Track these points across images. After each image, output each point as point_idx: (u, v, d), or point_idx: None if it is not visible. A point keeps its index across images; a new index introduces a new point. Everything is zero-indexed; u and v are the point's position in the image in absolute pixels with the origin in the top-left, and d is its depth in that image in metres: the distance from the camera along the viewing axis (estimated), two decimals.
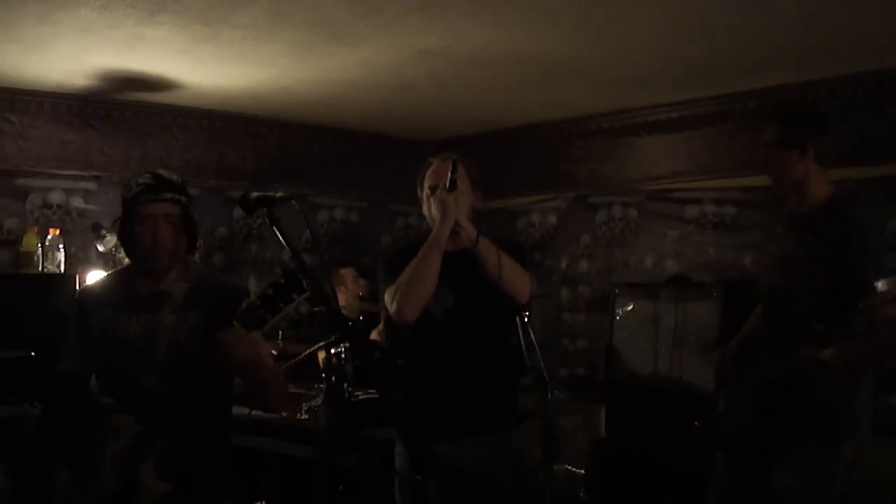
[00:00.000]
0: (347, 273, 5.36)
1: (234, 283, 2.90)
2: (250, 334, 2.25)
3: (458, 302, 3.03)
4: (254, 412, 4.11)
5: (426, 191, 3.07)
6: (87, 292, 2.65)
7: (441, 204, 2.94)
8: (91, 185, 5.25)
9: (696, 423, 3.94)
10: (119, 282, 2.60)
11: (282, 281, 2.19)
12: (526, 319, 4.71)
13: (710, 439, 3.26)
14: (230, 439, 2.70)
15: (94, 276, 4.78)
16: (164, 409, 2.34)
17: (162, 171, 2.53)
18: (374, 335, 5.03)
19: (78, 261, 5.04)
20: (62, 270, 4.86)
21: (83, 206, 5.21)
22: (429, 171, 3.08)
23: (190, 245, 2.55)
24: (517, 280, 2.98)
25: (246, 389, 2.52)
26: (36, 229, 4.90)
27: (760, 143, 3.06)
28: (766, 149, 3.02)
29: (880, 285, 2.63)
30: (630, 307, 5.16)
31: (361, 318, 5.04)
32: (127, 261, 2.63)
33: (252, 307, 2.20)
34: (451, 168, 2.93)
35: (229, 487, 2.63)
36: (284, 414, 4.16)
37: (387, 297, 3.02)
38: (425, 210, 3.08)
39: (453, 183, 2.92)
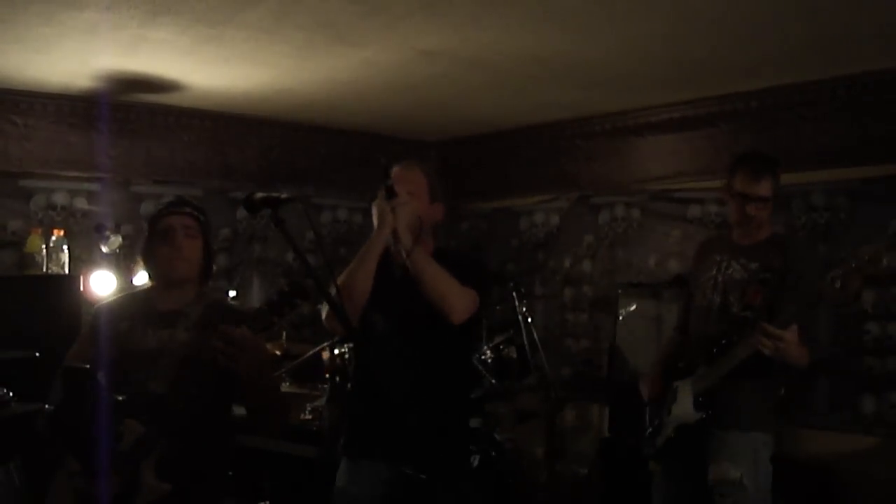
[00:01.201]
0: None
1: (247, 309, 2.96)
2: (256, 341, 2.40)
3: (403, 318, 2.88)
4: None
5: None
6: (106, 308, 2.77)
7: (378, 211, 2.80)
8: (95, 187, 5.26)
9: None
10: (137, 300, 2.76)
11: (287, 289, 2.35)
12: (529, 320, 4.74)
13: (644, 453, 3.47)
14: (232, 445, 2.77)
15: (98, 277, 4.80)
16: (169, 413, 2.42)
17: (183, 195, 2.81)
18: None
19: (82, 262, 5.04)
20: (66, 271, 4.86)
21: (87, 207, 5.23)
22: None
23: (206, 263, 2.72)
24: (448, 297, 2.77)
25: (247, 406, 2.62)
26: (40, 230, 4.90)
27: (748, 195, 3.21)
28: (756, 203, 3.21)
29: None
30: (633, 307, 5.16)
31: None
32: (147, 281, 2.80)
33: (260, 312, 2.36)
34: (385, 174, 2.79)
35: (229, 490, 2.72)
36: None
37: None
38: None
39: (390, 190, 2.77)
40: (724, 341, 3.15)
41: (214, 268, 2.79)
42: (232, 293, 5.34)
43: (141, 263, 2.78)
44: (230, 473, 2.76)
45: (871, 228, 4.36)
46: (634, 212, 5.55)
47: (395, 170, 2.90)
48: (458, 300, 2.80)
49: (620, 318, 5.20)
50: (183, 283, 2.69)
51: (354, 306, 2.74)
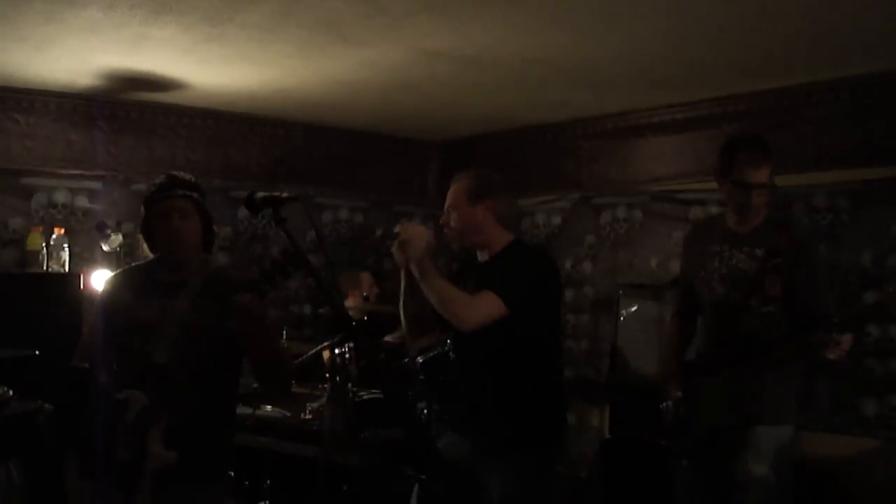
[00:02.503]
0: (365, 278, 5.38)
1: (247, 278, 3.02)
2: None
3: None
4: (258, 412, 4.13)
5: None
6: (112, 279, 2.85)
7: (395, 255, 3.13)
8: (96, 185, 5.26)
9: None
10: (140, 272, 2.80)
11: (280, 257, 2.39)
12: None
13: (671, 449, 3.38)
14: (234, 415, 2.88)
15: (99, 276, 4.79)
16: (173, 384, 2.47)
17: (176, 172, 2.74)
18: (389, 338, 5.03)
19: (83, 260, 5.05)
20: (67, 270, 4.87)
21: (88, 205, 5.23)
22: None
23: (206, 237, 2.74)
24: (448, 308, 3.00)
25: (254, 367, 2.66)
26: (41, 229, 4.91)
27: (751, 183, 3.08)
28: (758, 190, 3.08)
29: None
30: (634, 308, 5.15)
31: (366, 317, 5.05)
32: (149, 254, 2.82)
33: (253, 281, 2.42)
34: (398, 228, 3.12)
35: (230, 463, 2.79)
36: (289, 414, 4.17)
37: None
38: None
39: (395, 234, 3.10)
40: (754, 339, 3.04)
41: (216, 231, 2.81)
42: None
43: (142, 240, 2.80)
44: (233, 441, 2.82)
45: (873, 230, 4.35)
46: (636, 213, 5.54)
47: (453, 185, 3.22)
48: (462, 310, 2.97)
49: (622, 319, 5.19)
50: (184, 261, 2.73)
51: (428, 324, 3.21)
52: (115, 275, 2.88)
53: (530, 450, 3.03)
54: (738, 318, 3.14)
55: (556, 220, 5.99)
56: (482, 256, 3.22)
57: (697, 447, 3.23)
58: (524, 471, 3.00)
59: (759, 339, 3.05)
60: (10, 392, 3.97)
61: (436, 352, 4.00)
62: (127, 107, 5.30)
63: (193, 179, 2.74)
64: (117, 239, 4.88)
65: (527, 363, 3.05)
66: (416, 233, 3.09)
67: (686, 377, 3.31)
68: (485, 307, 2.96)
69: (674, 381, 3.37)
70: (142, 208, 2.72)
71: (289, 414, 4.18)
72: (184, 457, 2.46)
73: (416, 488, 3.25)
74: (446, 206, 3.19)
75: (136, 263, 2.97)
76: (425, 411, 3.96)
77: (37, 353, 4.16)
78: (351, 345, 4.07)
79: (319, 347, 4.47)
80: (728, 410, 3.11)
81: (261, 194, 2.37)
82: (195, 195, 2.69)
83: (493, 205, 3.15)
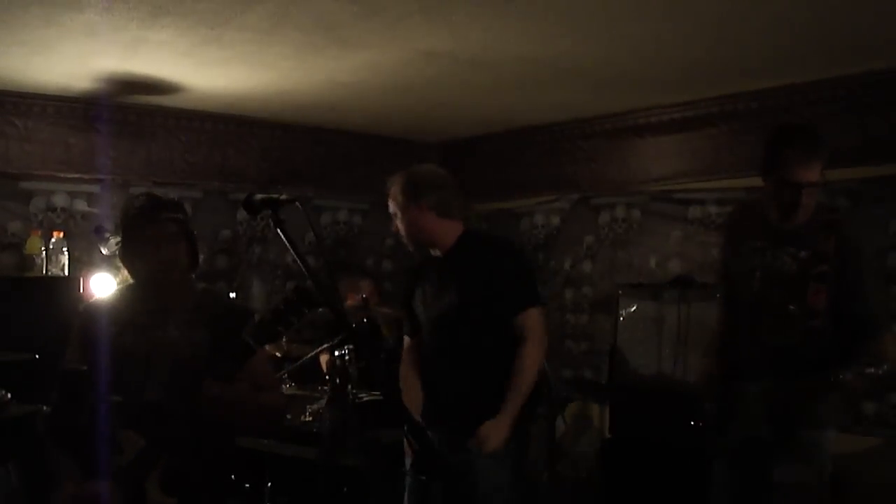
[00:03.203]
0: (366, 285, 5.37)
1: (238, 303, 2.98)
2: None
3: (450, 305, 3.17)
4: None
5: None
6: (92, 309, 2.69)
7: None
8: (95, 188, 5.26)
9: (692, 424, 3.94)
10: (124, 300, 2.64)
11: (293, 296, 2.24)
12: None
13: (710, 449, 3.29)
14: (234, 449, 2.75)
15: (98, 279, 4.79)
16: (169, 423, 2.35)
17: (157, 192, 2.61)
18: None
19: (82, 264, 5.04)
20: (66, 273, 4.86)
21: (87, 209, 5.22)
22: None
23: (192, 261, 2.60)
24: (536, 369, 3.14)
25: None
26: (40, 232, 4.90)
27: (801, 182, 2.85)
28: (808, 189, 2.84)
29: None
30: (634, 308, 5.15)
31: (365, 320, 5.05)
32: (129, 279, 2.67)
33: (264, 322, 2.25)
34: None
35: (232, 494, 2.72)
36: (289, 416, 4.16)
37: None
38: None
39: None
40: (796, 352, 2.85)
41: (201, 257, 2.65)
42: (232, 295, 5.33)
43: (123, 267, 2.62)
44: (232, 477, 2.77)
45: (872, 229, 4.35)
46: (635, 213, 5.54)
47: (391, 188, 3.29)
48: (540, 358, 3.15)
49: (621, 319, 5.19)
50: (169, 288, 2.58)
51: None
52: (92, 304, 2.73)
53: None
54: (779, 324, 2.93)
55: (555, 220, 5.99)
56: (436, 253, 3.26)
57: (736, 450, 3.09)
58: (504, 454, 3.06)
59: (805, 356, 2.84)
60: (9, 395, 3.98)
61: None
62: (125, 110, 5.29)
63: (176, 199, 2.60)
64: (116, 242, 4.87)
65: (504, 348, 3.10)
66: (396, 206, 3.23)
67: (727, 380, 3.13)
68: (539, 330, 3.10)
69: (714, 383, 3.20)
70: (121, 231, 2.55)
71: (289, 416, 4.17)
72: (183, 501, 2.35)
73: (407, 483, 3.25)
74: (391, 211, 3.26)
75: (119, 291, 2.81)
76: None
77: (36, 356, 4.16)
78: (350, 347, 4.06)
79: (319, 349, 4.47)
80: (765, 421, 2.97)
81: (259, 196, 2.34)
82: (180, 216, 2.55)
83: (428, 202, 3.17)
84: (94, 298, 2.79)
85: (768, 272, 2.96)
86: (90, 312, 2.66)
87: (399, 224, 3.24)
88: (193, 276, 2.71)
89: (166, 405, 2.37)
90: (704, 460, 3.31)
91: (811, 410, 2.93)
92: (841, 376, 2.79)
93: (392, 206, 3.25)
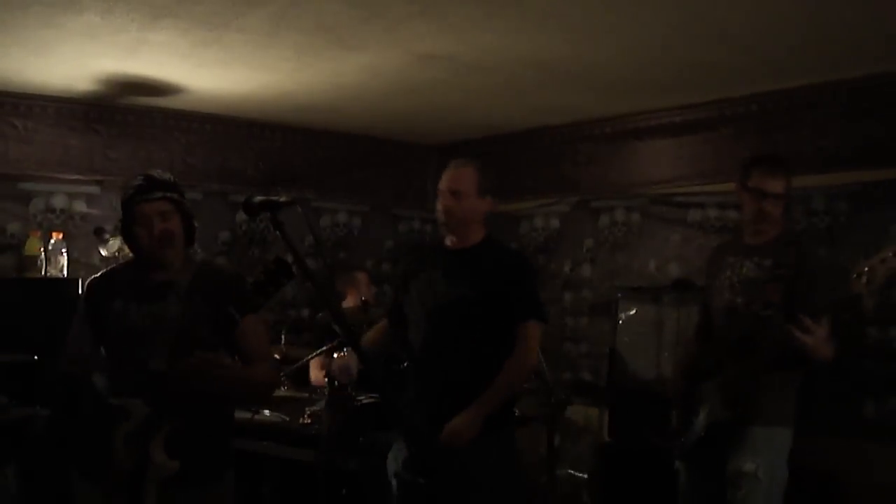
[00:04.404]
0: (362, 277, 5.38)
1: (231, 271, 3.17)
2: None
3: (460, 297, 3.16)
4: (256, 416, 4.12)
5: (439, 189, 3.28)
6: (96, 284, 2.79)
7: None
8: (94, 190, 5.25)
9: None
10: (126, 273, 2.76)
11: (272, 266, 2.34)
12: None
13: (672, 452, 3.44)
14: (233, 417, 2.88)
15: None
16: (172, 392, 2.46)
17: (154, 172, 2.70)
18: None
19: (81, 265, 5.04)
20: (65, 275, 4.86)
21: (86, 210, 5.22)
22: (444, 173, 3.26)
23: (188, 236, 2.73)
24: (522, 379, 3.30)
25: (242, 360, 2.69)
26: (39, 233, 4.90)
27: (765, 191, 3.23)
28: (772, 199, 3.24)
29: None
30: (633, 311, 5.15)
31: (365, 326, 5.04)
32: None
33: (245, 294, 2.39)
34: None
35: (230, 461, 2.78)
36: (287, 418, 4.16)
37: None
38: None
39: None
40: (750, 340, 3.13)
41: (196, 226, 2.77)
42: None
43: (123, 241, 2.75)
44: (231, 446, 2.82)
45: (872, 232, 4.35)
46: (634, 216, 5.54)
47: (449, 168, 3.25)
48: (527, 370, 3.26)
49: (620, 322, 5.19)
50: (168, 263, 2.70)
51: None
52: (98, 278, 2.82)
53: (498, 433, 3.13)
54: (738, 319, 3.26)
55: (555, 223, 5.99)
56: (453, 242, 3.28)
57: (695, 447, 3.30)
58: (496, 452, 3.11)
59: (753, 341, 3.13)
60: (8, 398, 3.98)
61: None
62: (125, 111, 5.30)
63: (171, 178, 2.70)
64: (115, 244, 4.87)
65: (501, 350, 3.13)
66: (466, 186, 3.18)
67: (687, 380, 3.41)
68: (534, 345, 3.17)
69: (671, 385, 3.52)
70: (121, 210, 2.70)
71: (287, 418, 4.17)
72: (186, 463, 2.47)
73: (394, 483, 3.27)
74: (450, 188, 3.20)
75: (120, 264, 2.94)
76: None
77: (35, 358, 4.16)
78: (349, 349, 4.06)
79: (318, 352, 4.47)
80: (723, 407, 3.19)
81: (259, 198, 2.35)
82: (174, 195, 2.67)
83: (492, 200, 3.23)
84: (99, 272, 2.85)
85: (737, 280, 3.31)
86: (95, 287, 2.78)
87: (451, 203, 3.19)
88: (193, 249, 2.81)
89: (169, 374, 2.47)
90: (670, 464, 3.44)
91: (762, 405, 3.14)
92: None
93: (462, 185, 3.18)
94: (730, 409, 3.18)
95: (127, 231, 2.69)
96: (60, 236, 4.92)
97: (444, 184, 3.23)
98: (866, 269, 2.80)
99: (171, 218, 2.64)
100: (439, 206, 3.24)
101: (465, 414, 3.04)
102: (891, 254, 2.79)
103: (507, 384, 3.13)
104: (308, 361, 4.68)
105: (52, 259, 4.85)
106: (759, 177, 3.26)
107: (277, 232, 2.32)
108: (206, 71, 4.42)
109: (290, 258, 2.35)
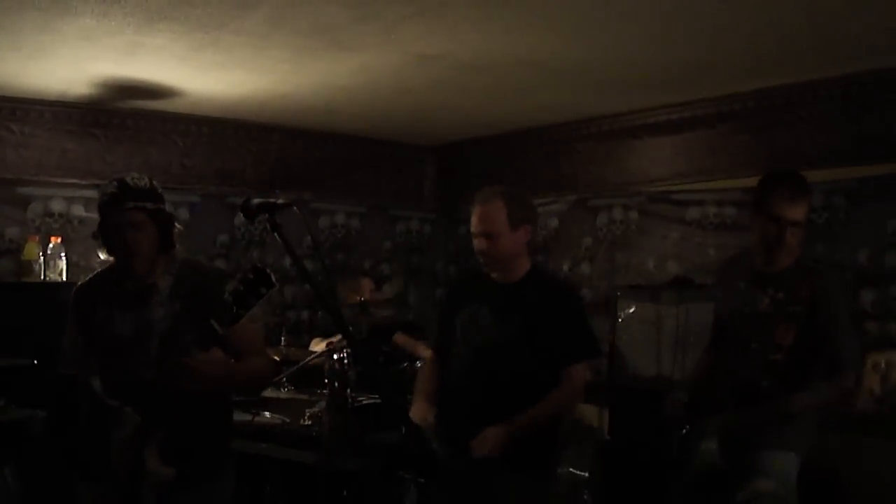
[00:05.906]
0: (366, 283, 5.38)
1: (212, 269, 3.10)
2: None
3: (508, 336, 3.05)
4: (257, 418, 4.13)
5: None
6: (81, 292, 2.78)
7: None
8: (92, 194, 5.21)
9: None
10: (109, 279, 2.74)
11: (251, 276, 2.30)
12: None
13: (674, 484, 3.35)
14: (230, 417, 2.88)
15: None
16: (162, 400, 2.43)
17: (129, 178, 2.62)
18: (398, 338, 5.02)
19: (80, 269, 5.03)
20: (64, 279, 4.86)
21: (84, 214, 5.21)
22: (473, 212, 3.14)
23: (164, 243, 2.65)
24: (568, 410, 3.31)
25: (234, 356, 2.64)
26: (37, 238, 4.90)
27: (786, 219, 2.99)
28: (792, 228, 2.98)
29: None
30: (632, 309, 5.15)
31: (365, 326, 5.05)
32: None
33: (225, 303, 2.30)
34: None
35: (230, 462, 2.78)
36: (287, 419, 4.16)
37: None
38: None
39: None
40: (755, 386, 2.98)
41: (177, 227, 2.70)
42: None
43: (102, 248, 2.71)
44: (230, 447, 2.82)
45: (869, 228, 4.36)
46: (633, 214, 5.54)
47: (476, 206, 3.09)
48: (574, 405, 3.31)
49: (619, 320, 5.19)
50: (144, 271, 2.66)
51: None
52: (83, 285, 2.79)
53: (531, 472, 3.04)
54: (746, 361, 3.07)
55: (553, 222, 5.99)
56: (500, 277, 3.16)
57: (692, 485, 3.20)
58: (525, 491, 3.00)
59: (761, 387, 2.98)
60: (6, 400, 3.98)
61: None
62: (122, 115, 5.30)
63: (147, 185, 2.62)
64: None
65: (541, 386, 3.03)
66: (497, 226, 3.05)
67: (690, 412, 3.27)
68: (580, 385, 3.05)
69: (671, 415, 3.36)
70: (97, 213, 2.65)
71: (288, 420, 4.17)
72: (183, 467, 2.44)
73: (412, 490, 3.24)
74: (482, 231, 3.07)
75: (103, 270, 2.85)
76: None
77: (34, 362, 4.16)
78: (349, 350, 4.06)
79: (318, 353, 4.47)
80: (725, 454, 3.08)
81: (257, 200, 2.35)
82: (147, 205, 2.59)
83: (528, 230, 3.10)
84: (84, 279, 2.83)
85: (745, 311, 3.11)
86: (80, 295, 2.77)
87: (485, 247, 3.07)
88: (176, 249, 2.73)
89: (159, 382, 2.45)
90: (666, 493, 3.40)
91: (769, 433, 2.98)
92: (787, 408, 2.95)
93: (492, 227, 3.05)
94: (723, 460, 3.06)
95: (102, 235, 2.65)
96: (59, 240, 4.92)
97: (474, 226, 3.10)
98: None
99: (144, 228, 2.59)
100: (476, 248, 3.12)
101: (498, 426, 2.93)
102: None
103: (547, 410, 3.01)
104: (308, 363, 4.67)
105: (51, 263, 4.86)
106: (779, 202, 2.97)
107: (275, 234, 2.31)
108: (203, 73, 4.42)
109: (287, 260, 2.33)
